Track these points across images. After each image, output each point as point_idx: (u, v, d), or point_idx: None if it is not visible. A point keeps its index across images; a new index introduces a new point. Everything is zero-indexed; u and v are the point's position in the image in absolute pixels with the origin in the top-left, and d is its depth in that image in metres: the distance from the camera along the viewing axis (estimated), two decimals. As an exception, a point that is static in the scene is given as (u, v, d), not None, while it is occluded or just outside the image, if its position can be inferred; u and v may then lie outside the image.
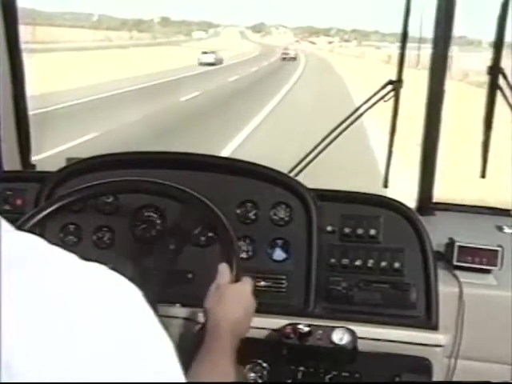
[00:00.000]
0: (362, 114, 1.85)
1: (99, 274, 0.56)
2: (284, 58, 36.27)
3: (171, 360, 0.57)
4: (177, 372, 0.57)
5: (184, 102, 13.64)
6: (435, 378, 1.40)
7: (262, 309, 1.25)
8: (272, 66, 30.26)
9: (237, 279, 1.17)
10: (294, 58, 37.50)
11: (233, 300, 1.13)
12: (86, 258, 0.59)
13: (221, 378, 1.01)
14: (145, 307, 0.57)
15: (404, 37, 1.83)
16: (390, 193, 1.67)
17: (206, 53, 29.31)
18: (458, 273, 1.47)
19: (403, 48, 1.83)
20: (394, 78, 1.79)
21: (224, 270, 1.17)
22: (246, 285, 1.19)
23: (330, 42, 73.38)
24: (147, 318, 0.57)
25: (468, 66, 22.08)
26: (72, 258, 0.56)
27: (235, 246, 1.23)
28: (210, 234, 1.51)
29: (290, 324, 1.36)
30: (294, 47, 48.57)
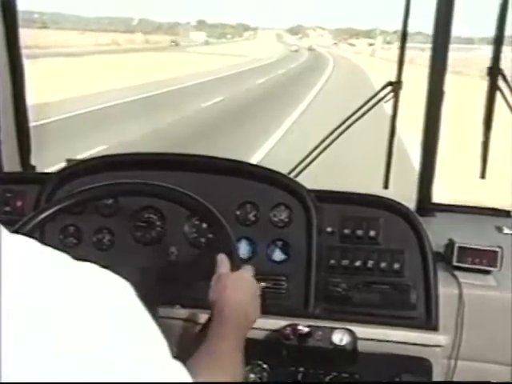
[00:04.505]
0: (360, 117, 1.85)
1: (91, 272, 0.56)
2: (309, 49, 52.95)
3: (162, 354, 0.58)
4: (167, 366, 0.58)
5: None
6: (435, 379, 1.40)
7: (262, 310, 1.25)
8: (282, 78, 23.11)
9: (237, 267, 1.16)
10: (314, 49, 53.48)
11: (235, 287, 1.11)
12: (85, 259, 0.59)
13: (220, 365, 0.96)
14: (135, 303, 0.58)
15: (404, 36, 1.83)
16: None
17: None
18: (457, 274, 1.47)
19: (403, 48, 1.83)
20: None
21: (223, 260, 1.16)
22: (247, 271, 1.18)
23: (371, 44, 69.37)
24: (138, 314, 0.58)
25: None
26: (63, 257, 0.56)
27: (231, 236, 1.22)
28: (210, 236, 1.52)
29: (289, 325, 1.36)
30: (328, 50, 56.85)
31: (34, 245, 0.56)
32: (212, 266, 1.18)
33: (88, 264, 0.57)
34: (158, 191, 1.32)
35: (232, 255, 1.18)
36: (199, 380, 0.70)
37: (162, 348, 0.59)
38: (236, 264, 1.17)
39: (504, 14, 1.72)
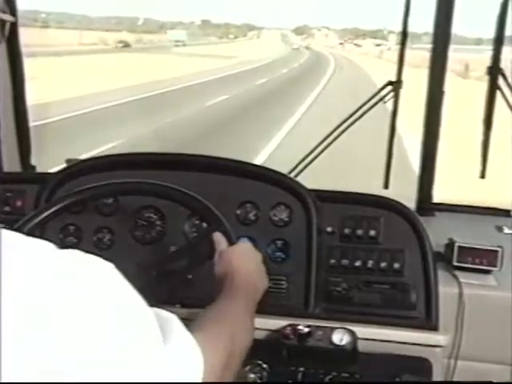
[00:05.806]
0: (360, 117, 1.85)
1: (82, 265, 0.57)
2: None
3: (151, 327, 0.62)
4: (154, 339, 0.61)
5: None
6: (435, 379, 1.40)
7: (262, 309, 1.25)
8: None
9: (233, 243, 1.21)
10: (311, 48, 55.15)
11: (240, 258, 1.15)
12: None
13: (225, 321, 0.96)
14: (117, 281, 0.61)
15: (404, 36, 1.83)
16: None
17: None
18: (457, 273, 1.47)
19: (403, 48, 1.84)
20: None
21: (219, 238, 1.20)
22: (245, 243, 1.24)
23: (378, 45, 67.52)
24: (133, 308, 0.61)
25: None
26: (48, 246, 0.57)
27: (221, 218, 1.26)
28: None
29: (289, 325, 1.36)
30: (330, 51, 56.72)
31: (25, 240, 0.56)
32: (212, 267, 1.18)
33: (72, 252, 0.58)
34: (157, 190, 1.32)
35: (226, 232, 1.22)
36: (201, 334, 0.73)
37: (157, 337, 0.62)
38: (232, 240, 1.21)
39: (504, 14, 1.72)
